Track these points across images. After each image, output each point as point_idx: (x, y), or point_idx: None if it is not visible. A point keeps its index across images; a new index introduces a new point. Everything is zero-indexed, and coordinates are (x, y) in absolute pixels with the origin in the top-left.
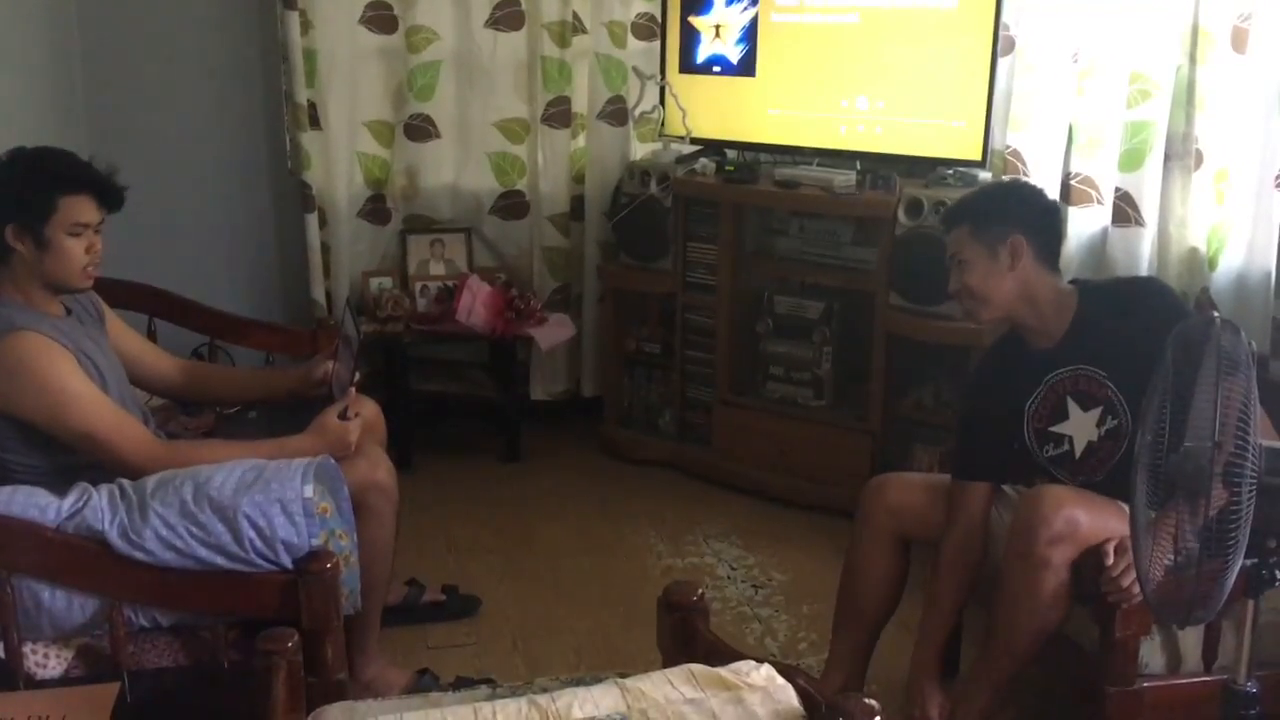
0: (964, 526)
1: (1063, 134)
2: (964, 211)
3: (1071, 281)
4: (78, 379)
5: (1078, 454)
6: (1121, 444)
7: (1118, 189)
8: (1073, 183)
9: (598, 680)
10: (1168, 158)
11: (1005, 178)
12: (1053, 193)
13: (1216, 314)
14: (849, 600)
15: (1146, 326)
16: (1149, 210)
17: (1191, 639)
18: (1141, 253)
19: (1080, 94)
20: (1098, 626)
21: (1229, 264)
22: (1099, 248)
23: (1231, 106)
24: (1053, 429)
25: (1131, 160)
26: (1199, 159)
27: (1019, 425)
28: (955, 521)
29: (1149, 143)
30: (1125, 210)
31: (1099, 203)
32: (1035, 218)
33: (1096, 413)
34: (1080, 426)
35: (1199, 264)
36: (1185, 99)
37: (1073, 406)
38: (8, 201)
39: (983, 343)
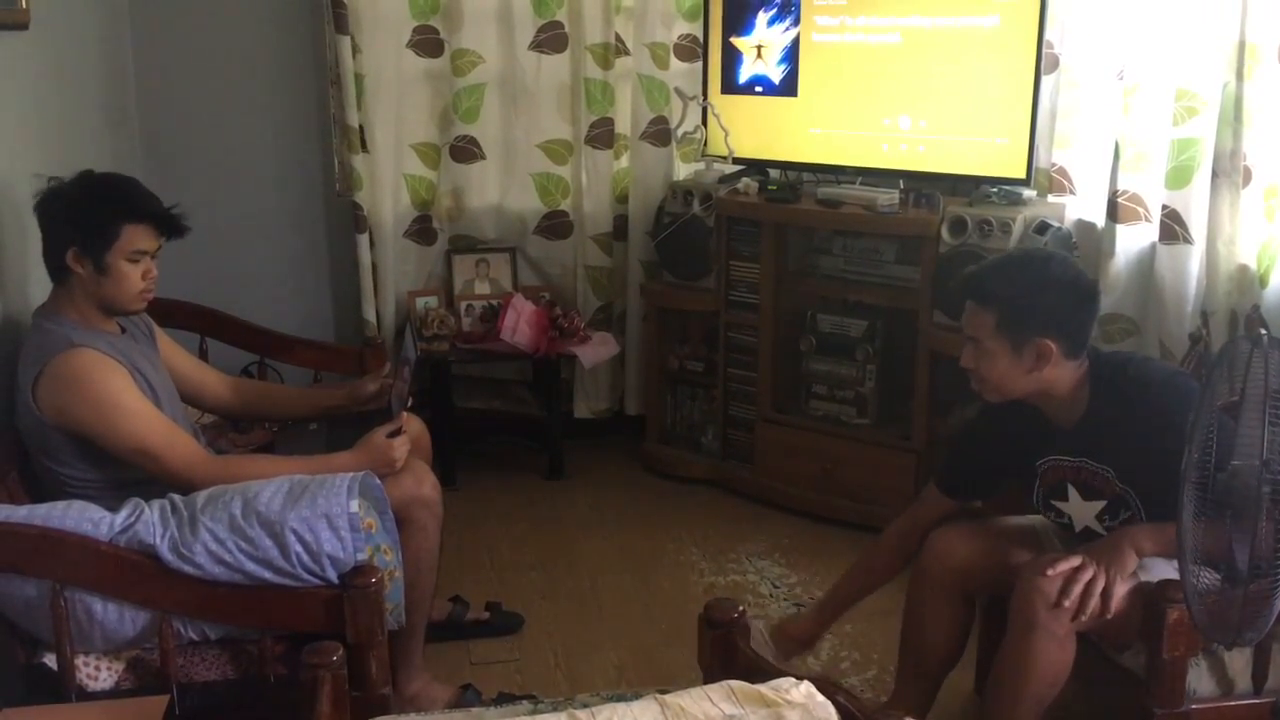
0: (912, 522)
1: (1108, 151)
2: (992, 296)
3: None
4: (132, 394)
5: (1076, 530)
6: None
7: (1165, 206)
8: (1120, 200)
9: (638, 696)
10: (1215, 174)
11: (1040, 250)
12: (1099, 211)
13: (1265, 332)
14: (911, 653)
15: (1150, 423)
16: (1197, 227)
17: (1239, 662)
18: (1190, 270)
19: (1126, 111)
20: (1145, 649)
21: None
22: (1147, 265)
23: None
24: (1054, 502)
25: (1179, 177)
26: (1247, 175)
27: (1023, 475)
28: (910, 515)
29: (1196, 159)
30: (1173, 228)
31: (1146, 220)
32: (1070, 315)
33: (1099, 505)
34: (1080, 510)
35: (1249, 281)
36: (1233, 115)
37: (1073, 491)
38: (72, 225)
39: None
